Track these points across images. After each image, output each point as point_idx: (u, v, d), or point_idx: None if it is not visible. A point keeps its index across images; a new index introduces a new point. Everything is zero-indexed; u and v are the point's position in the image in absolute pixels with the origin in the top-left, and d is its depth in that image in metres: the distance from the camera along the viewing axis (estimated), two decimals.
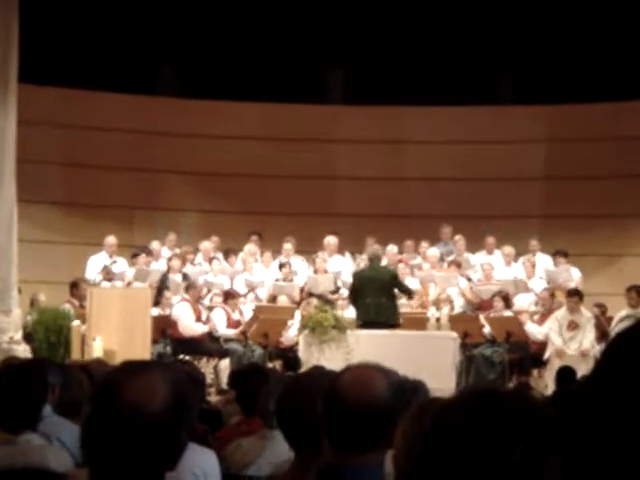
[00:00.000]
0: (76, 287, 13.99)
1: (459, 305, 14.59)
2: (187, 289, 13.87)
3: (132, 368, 2.16)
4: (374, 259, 13.51)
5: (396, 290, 13.37)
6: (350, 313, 13.48)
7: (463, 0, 16.86)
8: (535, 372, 13.61)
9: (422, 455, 1.74)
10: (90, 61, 16.53)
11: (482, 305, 14.46)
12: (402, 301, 14.46)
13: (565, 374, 9.49)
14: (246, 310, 14.25)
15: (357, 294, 13.24)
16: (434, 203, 17.21)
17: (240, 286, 14.78)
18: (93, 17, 16.34)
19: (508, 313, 13.97)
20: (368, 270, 13.45)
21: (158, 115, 17.33)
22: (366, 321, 12.83)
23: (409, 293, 13.80)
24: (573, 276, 14.96)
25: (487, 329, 13.58)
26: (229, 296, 14.19)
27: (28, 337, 12.59)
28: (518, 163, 17.37)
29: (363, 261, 14.51)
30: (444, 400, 2.46)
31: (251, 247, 15.48)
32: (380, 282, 13.03)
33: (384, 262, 15.07)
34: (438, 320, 13.38)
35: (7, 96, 12.35)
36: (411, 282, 14.84)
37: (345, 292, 14.11)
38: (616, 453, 1.82)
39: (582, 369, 10.84)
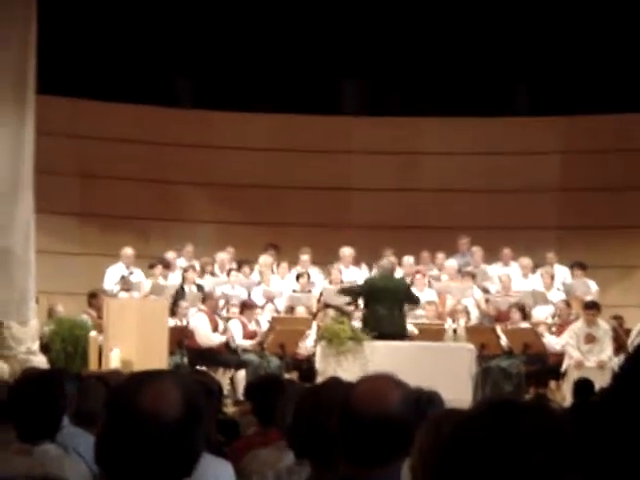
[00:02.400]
0: (94, 297, 14.02)
1: (475, 316, 14.56)
2: (204, 300, 13.89)
3: (144, 377, 2.17)
4: (387, 271, 13.45)
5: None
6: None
7: (479, 12, 16.85)
8: (552, 384, 13.55)
9: (440, 467, 1.74)
10: (107, 72, 16.59)
11: (499, 317, 14.43)
12: (419, 312, 14.44)
13: (583, 386, 9.44)
14: (263, 321, 14.25)
15: (364, 300, 13.24)
16: (450, 214, 17.18)
17: (258, 297, 14.79)
18: (110, 28, 16.40)
19: (525, 325, 13.93)
20: (381, 280, 13.34)
21: (174, 126, 17.37)
22: (378, 332, 12.74)
23: (417, 302, 13.72)
24: (591, 289, 14.90)
25: (504, 341, 13.54)
26: (245, 307, 14.20)
27: (45, 348, 12.62)
28: (533, 174, 17.34)
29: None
30: (462, 412, 2.46)
31: (266, 258, 15.48)
32: (394, 294, 12.98)
33: (400, 273, 15.07)
34: (455, 331, 13.35)
35: (25, 107, 12.41)
36: (428, 293, 14.82)
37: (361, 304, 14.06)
38: (635, 464, 1.81)
39: (600, 381, 10.78)
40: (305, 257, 15.56)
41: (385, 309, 12.89)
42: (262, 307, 14.61)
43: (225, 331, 13.74)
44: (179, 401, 2.09)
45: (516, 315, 13.90)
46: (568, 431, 1.71)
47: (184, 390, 2.12)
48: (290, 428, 3.60)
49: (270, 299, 14.82)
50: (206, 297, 13.95)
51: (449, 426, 1.80)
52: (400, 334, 12.99)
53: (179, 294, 14.23)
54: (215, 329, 13.64)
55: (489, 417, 1.70)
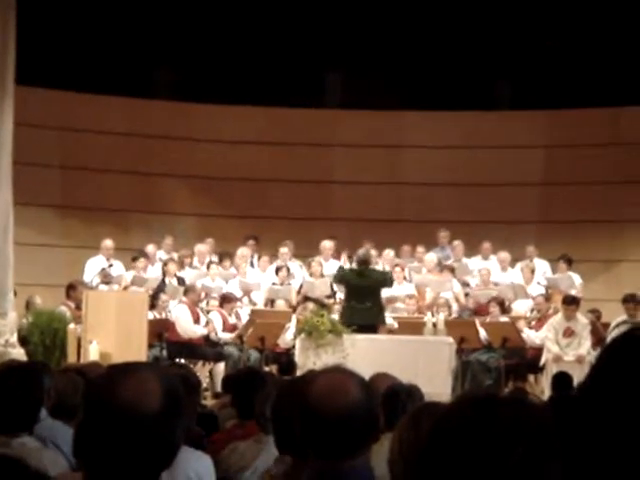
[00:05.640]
0: (73, 289, 13.94)
1: (453, 310, 14.60)
2: (186, 292, 13.87)
3: (123, 369, 2.15)
4: (362, 263, 13.37)
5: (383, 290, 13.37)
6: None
7: (462, 6, 16.86)
8: (531, 378, 13.60)
9: (419, 461, 1.73)
10: (87, 64, 16.52)
11: (478, 310, 14.47)
12: (398, 304, 14.46)
13: (561, 380, 9.48)
14: (243, 314, 14.24)
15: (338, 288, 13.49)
16: (431, 208, 17.20)
17: (235, 289, 14.77)
18: (90, 19, 16.33)
19: (504, 319, 13.97)
20: (353, 273, 13.30)
21: (155, 118, 17.32)
22: (352, 324, 12.73)
23: (389, 283, 13.67)
24: (574, 282, 14.93)
25: (483, 334, 13.58)
26: (225, 300, 14.18)
27: (23, 340, 12.56)
28: (516, 168, 17.37)
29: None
30: (441, 405, 2.45)
31: (243, 250, 15.46)
32: (365, 288, 12.97)
33: (380, 266, 15.06)
34: (434, 325, 13.37)
35: (3, 98, 12.32)
36: (407, 287, 14.84)
37: (341, 296, 14.08)
38: (613, 456, 1.82)
39: (578, 375, 10.83)
40: (285, 250, 15.54)
41: (357, 301, 12.90)
42: (240, 299, 14.60)
43: (207, 324, 13.73)
44: (159, 393, 2.08)
45: (495, 309, 13.95)
46: (547, 424, 1.71)
47: (164, 382, 2.11)
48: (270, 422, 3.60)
49: (247, 292, 14.80)
50: (188, 289, 13.93)
51: (429, 420, 1.80)
52: (374, 324, 12.95)
53: (159, 287, 14.20)
54: (196, 321, 13.63)
55: (469, 411, 1.70)
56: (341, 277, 13.49)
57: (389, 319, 13.63)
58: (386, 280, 13.39)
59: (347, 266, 15.14)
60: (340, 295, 14.22)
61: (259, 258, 15.66)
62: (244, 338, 13.47)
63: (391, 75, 17.41)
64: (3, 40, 12.29)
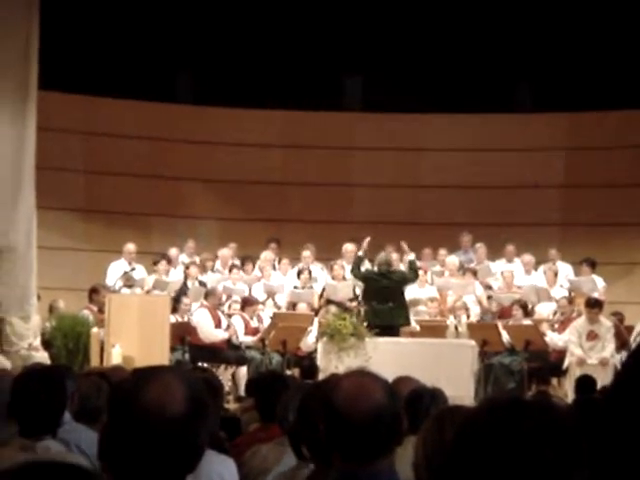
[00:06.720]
0: (96, 293, 13.99)
1: (476, 313, 14.55)
2: (206, 296, 13.89)
3: (148, 373, 2.16)
4: (383, 265, 13.40)
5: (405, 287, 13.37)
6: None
7: (481, 9, 16.83)
8: (554, 381, 13.54)
9: (444, 465, 1.72)
10: (109, 69, 16.58)
11: (501, 313, 14.42)
12: (421, 307, 14.42)
13: (585, 383, 9.44)
14: (265, 317, 14.25)
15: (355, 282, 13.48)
16: (452, 211, 17.16)
17: (259, 292, 14.78)
18: (112, 25, 16.40)
19: (527, 321, 13.92)
20: (376, 275, 13.36)
21: (177, 122, 17.36)
22: (377, 325, 12.73)
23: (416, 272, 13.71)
24: (597, 285, 14.86)
25: (506, 337, 13.54)
26: (247, 303, 14.19)
27: (47, 344, 12.62)
28: (537, 171, 17.31)
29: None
30: (465, 408, 2.44)
31: (267, 254, 15.50)
32: (387, 289, 12.97)
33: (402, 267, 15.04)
34: (457, 328, 13.34)
35: (27, 103, 12.40)
36: (430, 290, 14.80)
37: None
38: (638, 462, 1.81)
39: (601, 378, 10.78)
40: (307, 253, 15.54)
41: (378, 303, 12.89)
42: (263, 303, 14.61)
43: (228, 327, 13.74)
44: (184, 396, 2.09)
45: (518, 312, 13.90)
46: (574, 427, 1.70)
47: (189, 386, 2.12)
48: (293, 426, 3.60)
49: (271, 294, 14.81)
50: (208, 293, 13.95)
51: (453, 424, 1.79)
52: (397, 325, 12.95)
53: (182, 290, 14.24)
54: (218, 325, 13.64)
55: (494, 415, 1.69)
56: (363, 276, 13.49)
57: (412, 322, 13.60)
58: (407, 278, 13.37)
59: (367, 265, 15.05)
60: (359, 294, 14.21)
61: (279, 261, 15.67)
62: (266, 341, 13.48)
63: (410, 78, 17.38)
64: (26, 45, 12.37)
